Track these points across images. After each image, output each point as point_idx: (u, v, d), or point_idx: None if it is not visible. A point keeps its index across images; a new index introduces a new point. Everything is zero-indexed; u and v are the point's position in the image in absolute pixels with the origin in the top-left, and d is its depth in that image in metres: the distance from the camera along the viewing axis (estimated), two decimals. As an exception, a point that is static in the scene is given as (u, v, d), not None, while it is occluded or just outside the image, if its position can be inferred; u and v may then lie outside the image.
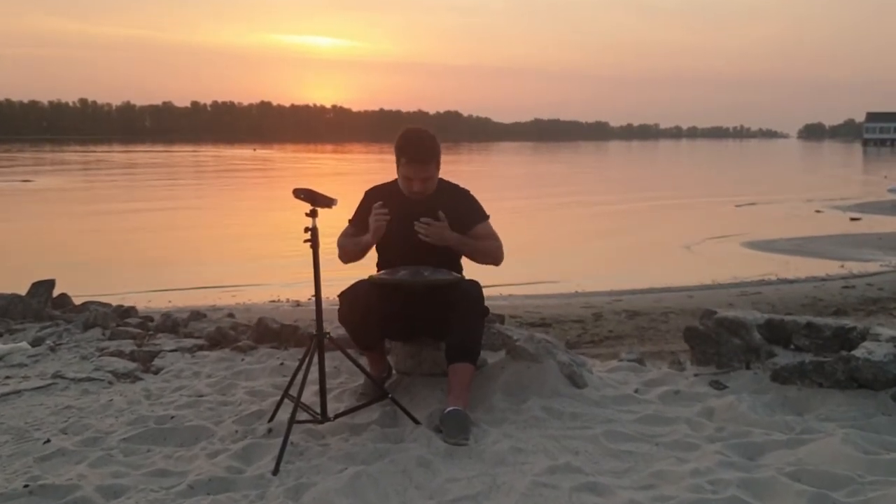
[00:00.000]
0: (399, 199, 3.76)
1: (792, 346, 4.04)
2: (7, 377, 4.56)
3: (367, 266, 3.86)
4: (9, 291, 6.40)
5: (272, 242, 14.69)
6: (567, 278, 11.34)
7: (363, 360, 3.99)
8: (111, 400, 4.02)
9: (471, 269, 3.88)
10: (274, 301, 9.60)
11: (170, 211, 21.12)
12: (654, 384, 4.00)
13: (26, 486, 2.91)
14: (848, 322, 4.02)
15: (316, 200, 3.22)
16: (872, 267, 12.20)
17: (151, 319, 6.07)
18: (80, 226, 18.06)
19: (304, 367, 3.32)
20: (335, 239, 3.85)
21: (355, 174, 38.56)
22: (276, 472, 3.01)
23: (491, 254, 3.74)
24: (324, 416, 3.33)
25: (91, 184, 34.53)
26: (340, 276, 3.82)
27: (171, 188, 30.77)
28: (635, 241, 16.21)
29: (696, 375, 4.04)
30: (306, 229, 3.25)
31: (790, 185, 34.91)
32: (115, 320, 5.86)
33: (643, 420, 3.47)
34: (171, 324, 5.70)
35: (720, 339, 4.10)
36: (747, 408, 3.45)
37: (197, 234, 16.95)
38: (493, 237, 3.77)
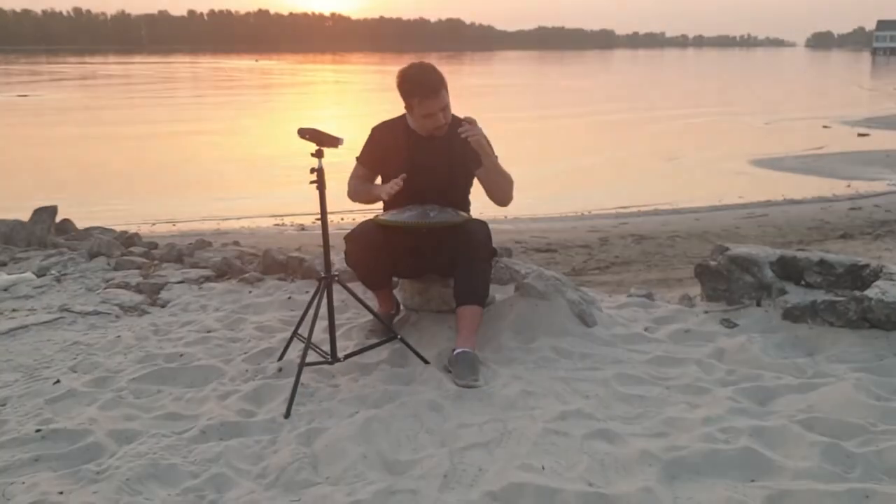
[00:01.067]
0: (406, 135, 3.67)
1: (803, 283, 3.99)
2: (14, 310, 4.54)
3: (374, 205, 3.80)
4: (10, 217, 6.35)
5: (277, 168, 14.39)
6: (573, 200, 11.25)
7: (370, 296, 3.97)
8: (119, 336, 4.00)
9: (478, 209, 3.81)
10: (279, 225, 9.56)
11: (171, 135, 20.49)
12: (664, 322, 3.96)
13: (38, 430, 2.90)
14: (860, 259, 3.96)
15: (322, 141, 3.14)
16: (879, 186, 12.11)
17: (155, 246, 6.03)
18: (78, 148, 17.72)
19: (312, 308, 3.28)
20: (338, 173, 3.75)
21: (370, 91, 37.39)
22: (287, 415, 3.01)
23: (508, 183, 3.58)
24: (333, 357, 3.32)
25: (89, 99, 33.99)
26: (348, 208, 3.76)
27: (173, 106, 30.12)
28: (645, 160, 15.99)
29: (706, 313, 4.01)
30: (312, 170, 3.17)
31: (798, 98, 34.35)
32: (119, 248, 5.81)
33: (653, 361, 3.45)
34: (177, 253, 5.66)
35: (731, 275, 4.05)
36: (759, 349, 3.42)
37: (202, 156, 16.63)
38: None
